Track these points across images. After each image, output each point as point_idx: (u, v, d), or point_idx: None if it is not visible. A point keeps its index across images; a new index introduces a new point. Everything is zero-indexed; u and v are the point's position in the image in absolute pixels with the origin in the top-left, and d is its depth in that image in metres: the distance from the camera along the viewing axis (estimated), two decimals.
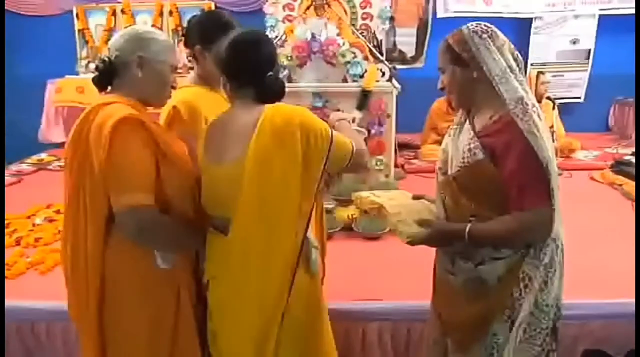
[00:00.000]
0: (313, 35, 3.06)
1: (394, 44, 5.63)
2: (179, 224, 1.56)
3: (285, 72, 3.08)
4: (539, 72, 4.76)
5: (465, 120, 1.59)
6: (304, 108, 1.55)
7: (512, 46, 1.50)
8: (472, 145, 1.49)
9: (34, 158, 4.93)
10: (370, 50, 3.25)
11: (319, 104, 3.11)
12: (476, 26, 1.49)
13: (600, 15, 5.51)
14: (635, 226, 2.86)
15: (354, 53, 3.07)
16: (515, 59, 1.48)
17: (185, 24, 2.06)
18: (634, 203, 3.38)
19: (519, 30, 5.46)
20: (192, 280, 1.65)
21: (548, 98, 4.72)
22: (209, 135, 1.59)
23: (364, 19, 3.79)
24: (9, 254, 2.75)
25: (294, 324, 1.55)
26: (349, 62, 3.07)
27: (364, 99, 3.10)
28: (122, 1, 5.64)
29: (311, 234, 1.61)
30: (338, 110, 3.18)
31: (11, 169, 4.56)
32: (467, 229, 1.47)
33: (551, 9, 5.57)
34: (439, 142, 2.33)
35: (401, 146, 4.56)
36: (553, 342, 1.55)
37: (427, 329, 1.82)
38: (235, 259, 1.51)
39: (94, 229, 1.51)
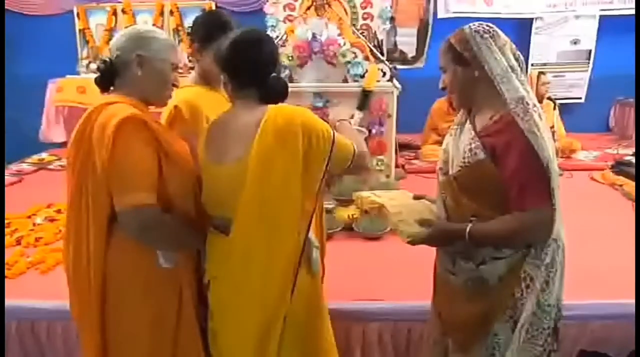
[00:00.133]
0: (314, 35, 3.06)
1: (395, 44, 5.63)
2: (181, 224, 1.56)
3: (286, 72, 3.08)
4: (540, 73, 4.76)
5: (466, 120, 1.59)
6: (306, 109, 1.55)
7: (514, 46, 1.50)
8: (473, 145, 1.49)
9: (35, 158, 4.92)
10: (370, 50, 3.25)
11: (320, 104, 3.11)
12: (478, 26, 1.49)
13: (601, 16, 5.51)
14: (635, 227, 2.86)
15: (354, 53, 3.08)
16: (516, 59, 1.49)
17: (186, 24, 2.07)
18: (634, 204, 3.38)
19: (520, 30, 5.46)
20: (194, 279, 1.65)
21: (549, 98, 4.72)
22: (209, 135, 1.59)
23: (364, 19, 3.79)
24: (10, 254, 2.75)
25: (295, 323, 1.55)
26: (349, 62, 3.07)
27: (364, 99, 3.10)
28: (123, 1, 5.64)
29: (312, 233, 1.61)
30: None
31: (12, 168, 4.56)
32: (467, 229, 1.47)
33: (552, 10, 5.56)
34: (440, 143, 2.34)
35: (402, 146, 4.56)
36: (554, 343, 1.55)
37: (428, 329, 1.82)
38: (236, 259, 1.51)
39: (96, 229, 1.52)
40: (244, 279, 1.51)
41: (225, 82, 1.56)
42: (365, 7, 3.77)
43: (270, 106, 1.50)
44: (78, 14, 5.71)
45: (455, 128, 1.64)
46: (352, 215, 3.04)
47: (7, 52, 5.55)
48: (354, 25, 3.64)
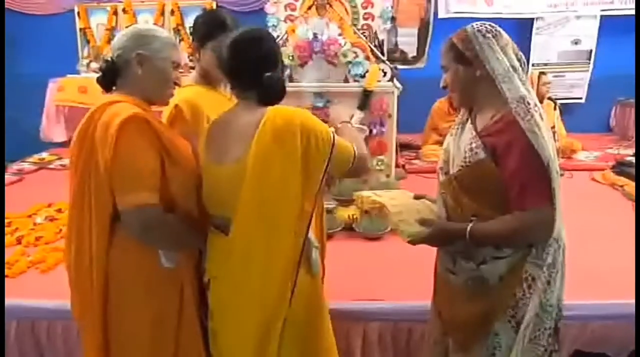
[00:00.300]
0: (315, 35, 3.06)
1: (396, 44, 5.63)
2: (183, 223, 1.56)
3: (287, 71, 3.08)
4: (541, 73, 4.76)
5: (467, 120, 1.59)
6: (306, 111, 1.54)
7: (516, 46, 1.50)
8: (473, 145, 1.49)
9: (35, 157, 4.93)
10: (371, 50, 3.25)
11: (320, 104, 3.11)
12: (480, 26, 1.49)
13: (601, 16, 5.51)
14: (635, 227, 2.86)
15: (355, 53, 3.07)
16: (518, 59, 1.49)
17: (186, 23, 2.08)
18: (634, 204, 3.38)
19: (521, 30, 5.45)
20: (195, 279, 1.65)
21: (550, 98, 4.72)
22: (210, 134, 1.59)
23: (365, 18, 3.80)
24: (10, 253, 2.76)
25: (295, 323, 1.55)
26: (350, 62, 3.07)
27: (365, 99, 3.10)
28: (124, 0, 5.64)
29: (312, 234, 1.61)
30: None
31: (12, 168, 4.57)
32: (468, 229, 1.47)
33: (553, 10, 5.57)
34: (440, 143, 2.34)
35: (402, 146, 4.57)
36: (555, 343, 1.55)
37: (428, 329, 1.82)
38: (236, 259, 1.51)
39: (99, 228, 1.52)
40: (243, 279, 1.50)
41: (227, 83, 1.57)
42: (366, 7, 3.77)
43: (270, 107, 1.50)
44: (79, 13, 5.73)
45: (456, 128, 1.64)
46: (353, 215, 3.04)
47: (8, 51, 5.54)
48: (354, 25, 3.64)
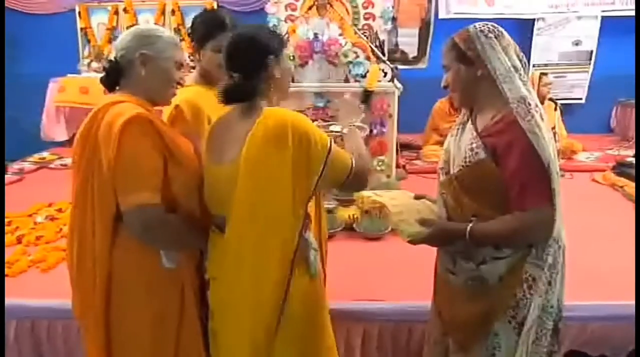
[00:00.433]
0: (315, 35, 3.06)
1: (396, 44, 5.63)
2: (185, 223, 1.57)
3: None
4: (542, 74, 4.76)
5: (468, 120, 1.59)
6: (302, 115, 1.51)
7: (517, 47, 1.50)
8: (474, 145, 1.49)
9: (36, 156, 4.94)
10: (372, 50, 3.25)
11: (321, 104, 3.11)
12: (483, 26, 1.49)
13: (602, 17, 5.51)
14: (635, 228, 2.86)
15: (356, 53, 3.08)
16: (520, 60, 1.49)
17: (187, 23, 2.07)
18: (635, 205, 3.38)
19: (522, 31, 5.45)
20: (196, 279, 1.65)
21: (550, 99, 4.72)
22: (211, 134, 1.60)
23: (366, 19, 3.80)
24: (11, 252, 2.76)
25: (293, 325, 1.54)
26: (351, 62, 3.07)
27: (366, 99, 3.10)
28: (124, 0, 5.64)
29: (310, 235, 1.60)
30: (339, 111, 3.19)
31: (13, 167, 4.57)
32: (468, 229, 1.47)
33: (554, 10, 5.57)
34: (441, 143, 2.33)
35: (403, 147, 4.56)
36: (555, 344, 1.55)
37: (428, 329, 1.82)
38: (230, 259, 1.51)
39: (101, 228, 1.52)
40: (236, 278, 1.50)
41: None
42: (367, 7, 3.78)
43: (267, 108, 1.49)
44: (80, 13, 5.73)
45: (457, 128, 1.64)
46: (353, 215, 3.04)
47: (9, 51, 5.55)
48: (355, 25, 3.65)
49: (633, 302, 2.03)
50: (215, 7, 5.42)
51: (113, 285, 1.56)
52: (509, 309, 1.50)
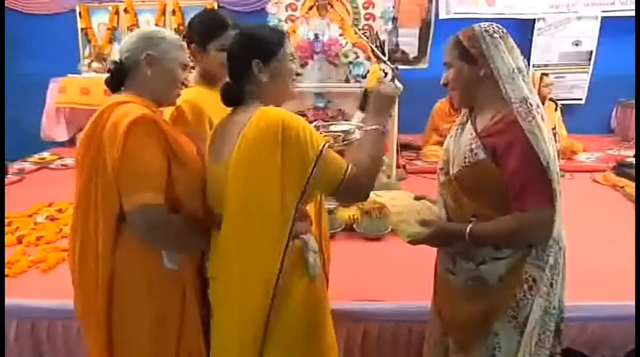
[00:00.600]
0: (316, 36, 3.06)
1: (397, 44, 5.63)
2: (187, 224, 1.57)
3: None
4: (543, 74, 4.77)
5: (467, 121, 1.59)
6: (297, 116, 1.48)
7: (518, 51, 1.50)
8: (473, 145, 1.49)
9: (36, 157, 4.94)
10: (372, 50, 3.25)
11: (321, 104, 3.12)
12: (488, 26, 1.49)
13: (602, 17, 5.51)
14: (635, 228, 2.86)
15: (356, 53, 3.08)
16: (522, 62, 1.49)
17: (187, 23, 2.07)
18: (635, 205, 3.38)
19: (522, 31, 5.45)
20: (197, 280, 1.65)
21: (551, 99, 4.72)
22: (213, 134, 1.61)
23: (366, 19, 3.80)
24: (11, 252, 2.76)
25: (292, 326, 1.53)
26: (351, 62, 3.08)
27: (366, 99, 3.10)
28: (125, 0, 5.64)
29: (310, 237, 1.59)
30: (340, 111, 3.19)
31: (13, 167, 4.57)
32: (467, 229, 1.47)
33: (554, 10, 5.57)
34: (441, 143, 2.33)
35: (403, 147, 4.57)
36: (557, 345, 1.55)
37: (428, 329, 1.82)
38: (224, 258, 1.51)
39: (105, 228, 1.52)
40: (229, 278, 1.50)
41: None
42: (368, 8, 3.78)
43: (262, 108, 1.47)
44: (80, 13, 5.73)
45: (456, 128, 1.64)
46: (353, 215, 3.04)
47: (9, 51, 5.55)
48: (356, 25, 3.65)
49: (633, 302, 2.03)
50: (216, 7, 5.43)
51: (115, 285, 1.56)
52: (509, 309, 1.50)
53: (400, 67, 4.58)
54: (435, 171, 1.73)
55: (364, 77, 3.08)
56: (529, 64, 5.33)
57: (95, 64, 5.42)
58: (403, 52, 5.68)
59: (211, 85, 1.94)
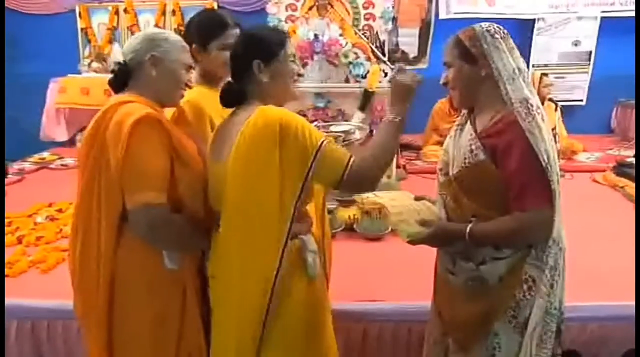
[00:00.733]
0: (316, 36, 3.07)
1: (397, 44, 5.63)
2: (189, 224, 1.57)
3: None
4: (542, 74, 4.76)
5: (467, 121, 1.59)
6: (295, 114, 1.48)
7: (518, 52, 1.50)
8: (473, 146, 1.49)
9: (36, 157, 4.94)
10: (372, 50, 3.26)
11: (321, 104, 3.12)
12: (489, 26, 1.49)
13: (602, 17, 5.51)
14: (635, 228, 2.86)
15: (356, 53, 3.08)
16: (522, 63, 1.49)
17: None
18: (635, 205, 3.38)
19: (522, 31, 5.46)
20: (197, 279, 1.66)
21: (550, 100, 4.72)
22: (215, 134, 1.62)
23: (366, 19, 3.79)
24: (11, 253, 2.76)
25: (291, 326, 1.53)
26: (351, 62, 3.08)
27: (366, 99, 3.10)
28: (125, 0, 5.64)
29: (310, 238, 1.60)
30: (340, 111, 3.19)
31: (13, 167, 4.57)
32: (467, 229, 1.47)
33: (554, 11, 5.57)
34: (441, 143, 2.33)
35: (403, 147, 4.57)
36: (558, 346, 1.55)
37: (428, 329, 1.82)
38: (224, 257, 1.51)
39: (107, 227, 1.52)
40: (228, 277, 1.51)
41: None
42: (367, 8, 3.77)
43: (261, 107, 1.48)
44: (80, 13, 5.73)
45: (456, 129, 1.64)
46: (353, 215, 3.04)
47: (9, 51, 5.54)
48: (355, 25, 3.65)
49: (633, 302, 2.03)
50: (216, 7, 5.44)
51: (116, 285, 1.56)
52: (509, 309, 1.50)
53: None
54: (435, 171, 1.73)
55: (364, 77, 3.09)
56: (528, 64, 5.33)
57: (95, 64, 5.42)
58: (403, 52, 5.68)
59: (212, 85, 1.94)
